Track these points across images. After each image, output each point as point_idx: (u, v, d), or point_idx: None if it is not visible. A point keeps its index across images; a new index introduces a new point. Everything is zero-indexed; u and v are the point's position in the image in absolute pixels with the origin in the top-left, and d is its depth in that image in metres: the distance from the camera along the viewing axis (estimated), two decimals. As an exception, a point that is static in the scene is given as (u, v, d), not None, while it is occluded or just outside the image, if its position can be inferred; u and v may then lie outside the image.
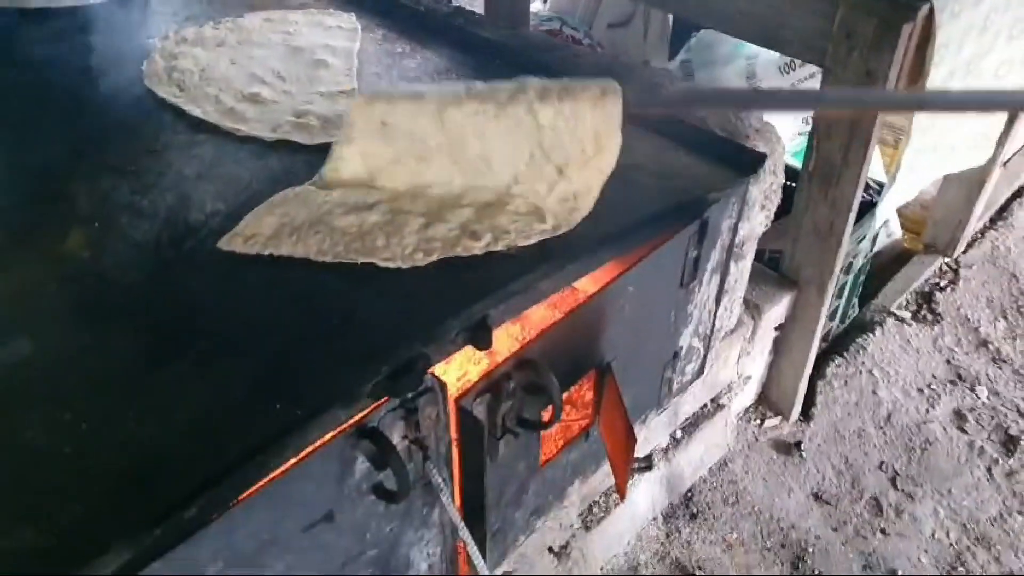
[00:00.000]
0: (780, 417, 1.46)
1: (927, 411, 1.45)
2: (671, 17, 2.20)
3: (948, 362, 1.54)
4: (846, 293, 1.55)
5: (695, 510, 1.31)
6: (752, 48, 1.84)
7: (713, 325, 1.09)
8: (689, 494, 1.33)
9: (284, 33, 1.18)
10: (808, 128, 1.83)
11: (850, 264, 1.44)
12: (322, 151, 0.91)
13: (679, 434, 1.31)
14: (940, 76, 1.12)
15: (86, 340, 0.66)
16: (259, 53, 1.10)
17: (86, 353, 0.65)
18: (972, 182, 1.66)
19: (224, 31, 1.16)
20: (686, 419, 1.32)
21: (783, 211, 1.23)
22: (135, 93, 1.01)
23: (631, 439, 0.84)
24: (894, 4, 1.05)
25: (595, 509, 1.17)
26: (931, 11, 1.05)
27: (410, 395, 0.66)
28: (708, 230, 0.90)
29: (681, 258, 0.90)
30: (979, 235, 1.86)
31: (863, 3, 1.06)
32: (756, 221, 1.13)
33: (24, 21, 1.18)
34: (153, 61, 1.06)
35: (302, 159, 0.89)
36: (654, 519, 1.29)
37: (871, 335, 1.58)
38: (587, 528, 1.16)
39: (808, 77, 1.80)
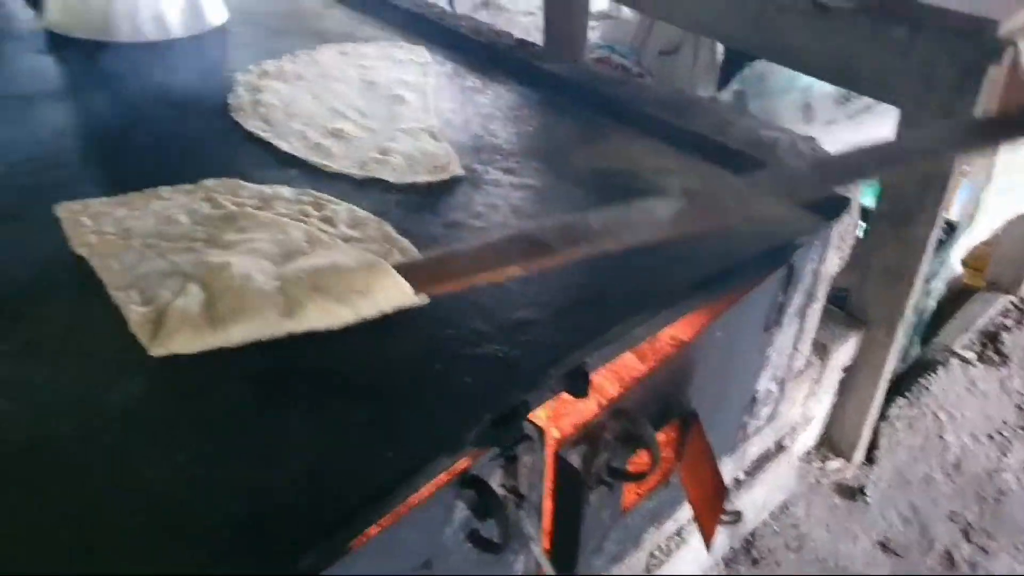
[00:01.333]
0: (843, 459, 1.44)
1: (999, 459, 1.42)
2: (720, 45, 2.20)
3: (1019, 408, 1.51)
4: (909, 332, 1.53)
5: (756, 555, 1.29)
6: (807, 78, 1.83)
7: (789, 368, 1.08)
8: (751, 538, 1.31)
9: (359, 67, 1.20)
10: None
11: (925, 304, 1.42)
12: (409, 191, 0.93)
13: (742, 476, 1.29)
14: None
15: (200, 379, 0.66)
16: (338, 88, 1.12)
17: (200, 393, 0.66)
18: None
19: (302, 65, 1.18)
20: (751, 461, 1.30)
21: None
22: (223, 126, 1.03)
23: (721, 488, 0.84)
24: (978, 44, 1.03)
25: (657, 554, 1.16)
26: (1017, 52, 1.04)
27: (511, 444, 0.66)
28: (794, 275, 0.90)
29: (767, 303, 0.90)
30: (1046, 271, 1.82)
31: (944, 43, 1.05)
32: (831, 262, 1.12)
33: (111, 53, 1.22)
34: (238, 95, 1.08)
35: (392, 198, 0.90)
36: (715, 564, 1.27)
37: (935, 376, 1.55)
38: (650, 572, 1.15)
39: (865, 109, 1.79)
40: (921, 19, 1.06)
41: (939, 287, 1.46)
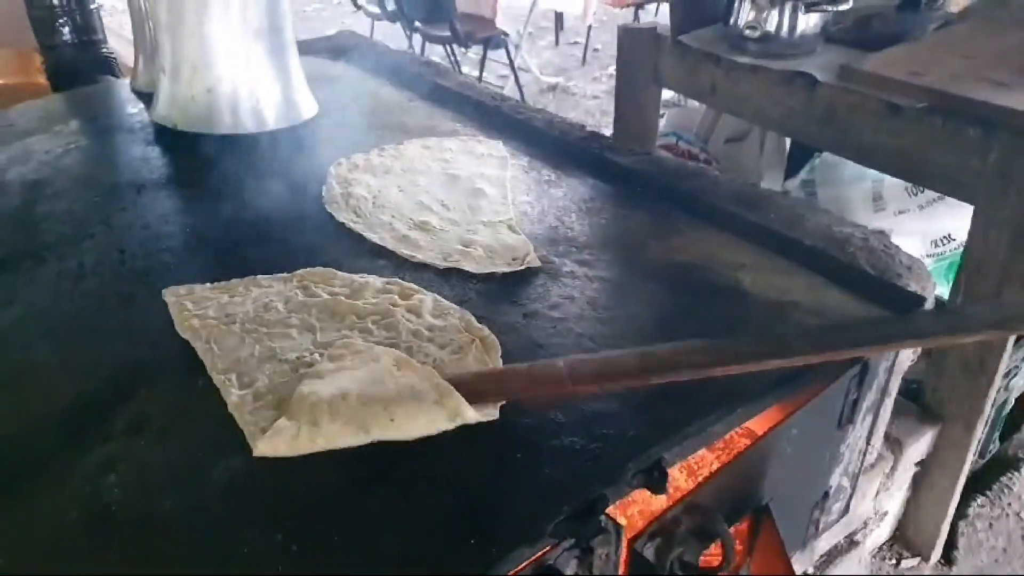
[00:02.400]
0: (919, 558, 1.39)
1: (1087, 563, 1.36)
2: (787, 134, 2.23)
3: (1107, 510, 1.45)
4: (987, 427, 1.49)
5: (830, 652, 1.24)
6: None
7: (861, 464, 1.07)
8: (824, 635, 1.27)
9: (442, 161, 1.27)
10: (938, 250, 1.81)
11: (1006, 399, 1.39)
12: (488, 280, 0.97)
13: (811, 570, 1.26)
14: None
15: (298, 460, 0.71)
16: (423, 181, 1.19)
17: (297, 473, 0.69)
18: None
19: (389, 158, 1.26)
20: (821, 556, 1.27)
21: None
22: (317, 216, 1.11)
23: (794, 586, 0.83)
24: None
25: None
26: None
27: (587, 536, 0.68)
28: (868, 372, 0.90)
29: (841, 400, 0.90)
30: None
31: (1020, 144, 1.06)
32: (904, 356, 1.12)
33: (213, 144, 1.32)
34: (331, 187, 1.16)
35: (472, 288, 0.95)
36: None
37: (1017, 474, 1.50)
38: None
39: (937, 199, 1.79)
40: (995, 120, 1.08)
41: (1020, 383, 1.43)
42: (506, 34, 4.29)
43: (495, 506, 0.66)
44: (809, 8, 1.34)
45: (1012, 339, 1.14)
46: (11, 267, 1.04)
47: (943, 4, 1.42)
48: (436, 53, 4.82)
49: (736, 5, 1.40)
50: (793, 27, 1.37)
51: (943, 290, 1.31)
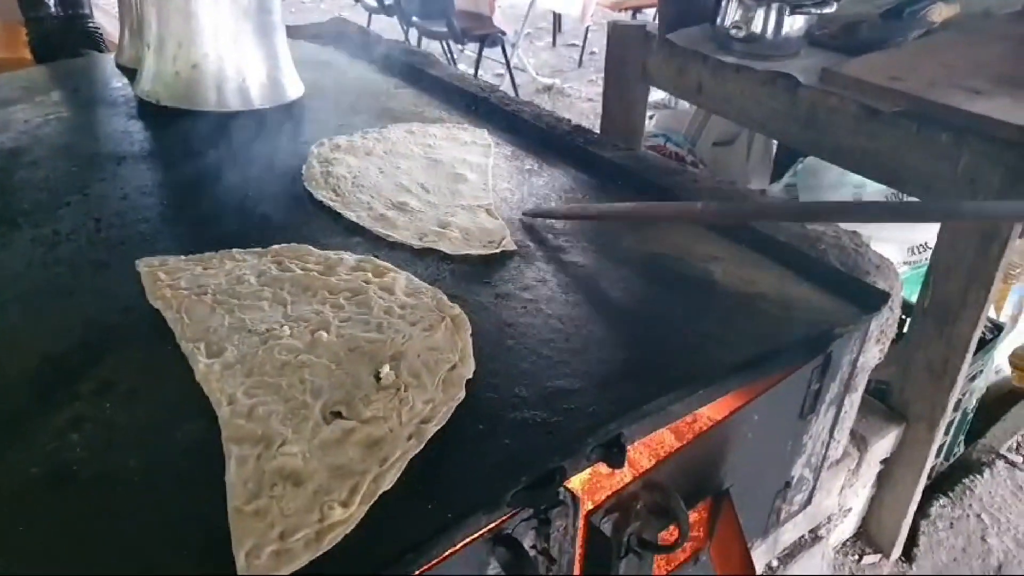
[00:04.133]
0: (880, 555, 1.41)
1: (1044, 566, 1.38)
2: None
3: (1067, 514, 1.47)
4: (952, 430, 1.51)
5: (788, 644, 1.26)
6: (859, 176, 1.87)
7: (824, 456, 1.08)
8: (783, 627, 1.29)
9: (425, 146, 1.28)
10: (914, 258, 1.84)
11: (959, 402, 1.41)
12: (463, 261, 0.98)
13: (775, 563, 1.28)
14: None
15: (257, 426, 0.71)
16: (404, 164, 1.20)
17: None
18: (1089, 325, 1.62)
19: (372, 141, 1.27)
20: (784, 549, 1.29)
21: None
22: (295, 193, 1.12)
23: (750, 568, 0.84)
24: (1023, 153, 1.07)
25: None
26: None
27: (545, 506, 0.69)
28: (831, 364, 0.92)
29: (803, 390, 0.92)
30: (1096, 379, 1.79)
31: (989, 150, 1.08)
32: (871, 354, 1.14)
33: (196, 120, 1.33)
34: (311, 166, 1.17)
35: (446, 268, 0.96)
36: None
37: (979, 477, 1.52)
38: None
39: (915, 208, 1.81)
40: (966, 126, 1.10)
41: (981, 386, 1.45)
42: (503, 33, 4.30)
43: (454, 473, 0.67)
44: (794, 10, 1.36)
45: (974, 343, 1.16)
46: (-13, 232, 1.04)
47: (925, 14, 1.44)
48: (433, 49, 4.83)
49: (723, 5, 1.42)
50: (778, 29, 1.38)
51: (913, 295, 1.33)
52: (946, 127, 1.12)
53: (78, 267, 0.97)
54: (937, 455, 1.51)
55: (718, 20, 1.45)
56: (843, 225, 1.17)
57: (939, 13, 1.45)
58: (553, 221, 1.11)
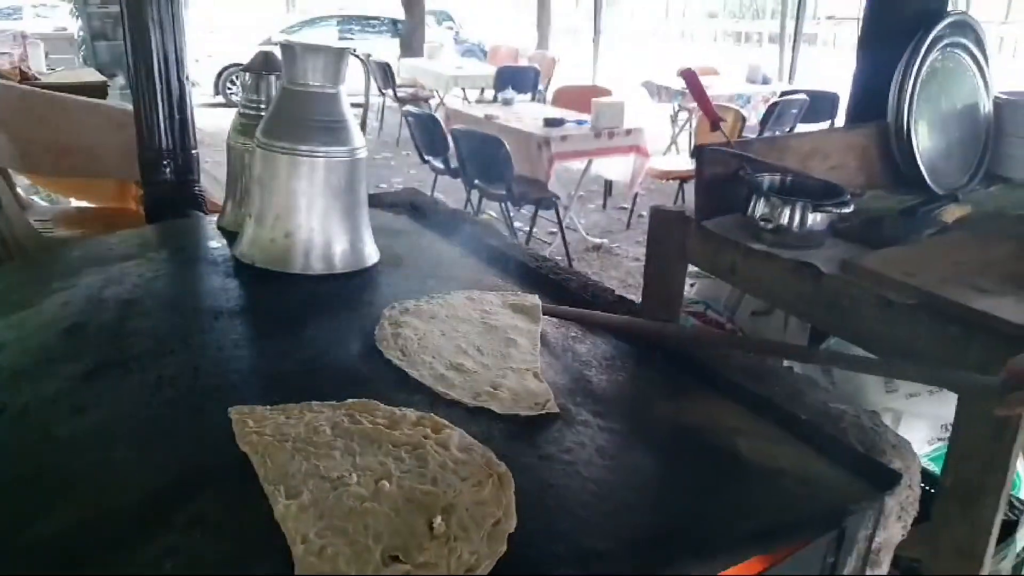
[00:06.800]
0: None
1: None
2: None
3: None
4: (991, 615, 1.50)
5: None
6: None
7: (850, 632, 1.12)
8: None
9: (483, 311, 1.43)
10: (947, 435, 1.88)
11: (994, 585, 1.43)
12: (511, 420, 1.10)
13: None
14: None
15: (328, 564, 0.82)
16: (463, 328, 1.35)
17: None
18: None
19: (436, 306, 1.43)
20: None
21: (921, 516, 1.28)
22: (368, 353, 1.26)
23: None
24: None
25: None
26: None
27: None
28: (845, 539, 0.99)
29: (819, 562, 0.98)
30: None
31: (995, 344, 1.19)
32: (893, 530, 1.19)
33: (285, 281, 1.52)
34: (383, 327, 1.33)
35: (496, 427, 1.08)
36: None
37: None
38: None
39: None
40: (973, 322, 1.21)
41: (1007, 567, 1.46)
42: (557, 197, 4.62)
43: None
44: (817, 208, 1.52)
45: (996, 530, 1.21)
46: (102, 374, 1.21)
47: (939, 214, 1.59)
48: (492, 207, 5.16)
49: (752, 200, 1.59)
50: (803, 222, 1.54)
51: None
52: (955, 320, 1.23)
53: (178, 410, 1.11)
54: (977, 640, 1.50)
55: (748, 211, 1.61)
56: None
57: (951, 214, 1.59)
58: (592, 387, 1.23)
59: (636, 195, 5.77)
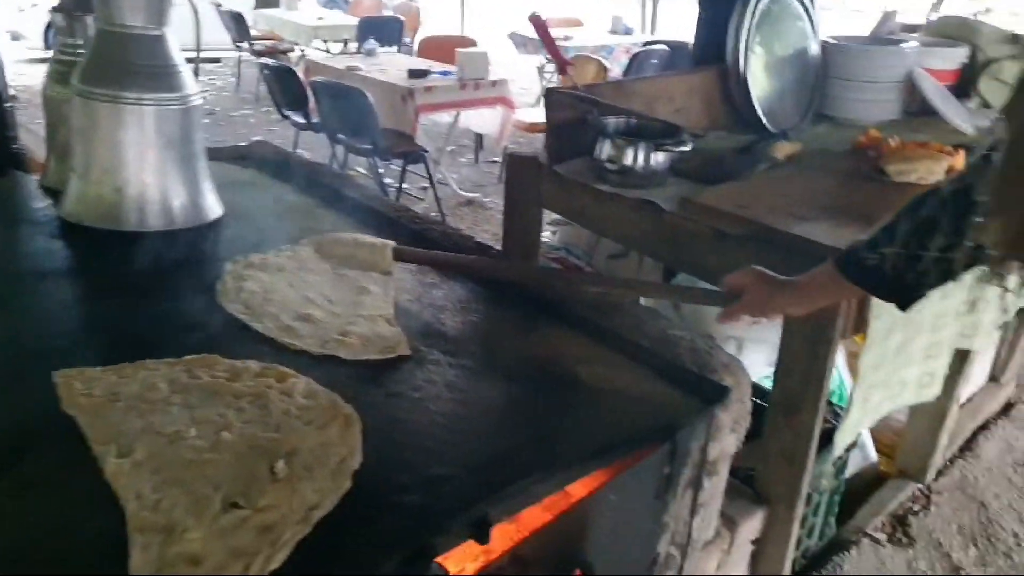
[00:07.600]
0: (758, 633, 1.52)
1: (900, 635, 1.52)
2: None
3: (923, 588, 1.63)
4: (821, 511, 1.66)
5: None
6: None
7: (689, 535, 1.21)
8: None
9: (333, 262, 1.41)
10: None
11: (819, 485, 1.57)
12: (360, 366, 1.10)
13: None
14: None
15: (162, 516, 0.80)
16: (312, 279, 1.33)
17: (160, 527, 0.79)
18: (934, 415, 1.83)
19: (284, 258, 1.40)
20: (667, 629, 1.38)
21: (756, 431, 1.39)
22: (209, 308, 1.22)
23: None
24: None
25: None
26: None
27: (419, 581, 0.79)
28: (679, 451, 1.06)
29: (656, 473, 1.05)
30: (949, 463, 1.99)
31: (810, 266, 1.29)
32: (727, 442, 1.29)
33: (118, 240, 1.43)
34: (224, 282, 1.28)
35: (344, 372, 1.08)
36: None
37: (847, 554, 1.67)
38: None
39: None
40: (793, 246, 1.31)
41: (830, 470, 1.62)
42: (425, 151, 4.56)
43: (337, 553, 0.77)
44: (658, 148, 1.58)
45: (816, 431, 1.33)
46: (-95, 346, 1.11)
47: (771, 151, 1.69)
48: (360, 164, 5.04)
49: (599, 143, 1.63)
50: (646, 162, 1.60)
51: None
52: (779, 247, 1.32)
53: (-2, 377, 1.04)
54: (810, 536, 1.65)
55: (595, 154, 1.66)
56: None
57: (782, 150, 1.70)
58: (446, 329, 1.25)
59: (506, 148, 5.79)
